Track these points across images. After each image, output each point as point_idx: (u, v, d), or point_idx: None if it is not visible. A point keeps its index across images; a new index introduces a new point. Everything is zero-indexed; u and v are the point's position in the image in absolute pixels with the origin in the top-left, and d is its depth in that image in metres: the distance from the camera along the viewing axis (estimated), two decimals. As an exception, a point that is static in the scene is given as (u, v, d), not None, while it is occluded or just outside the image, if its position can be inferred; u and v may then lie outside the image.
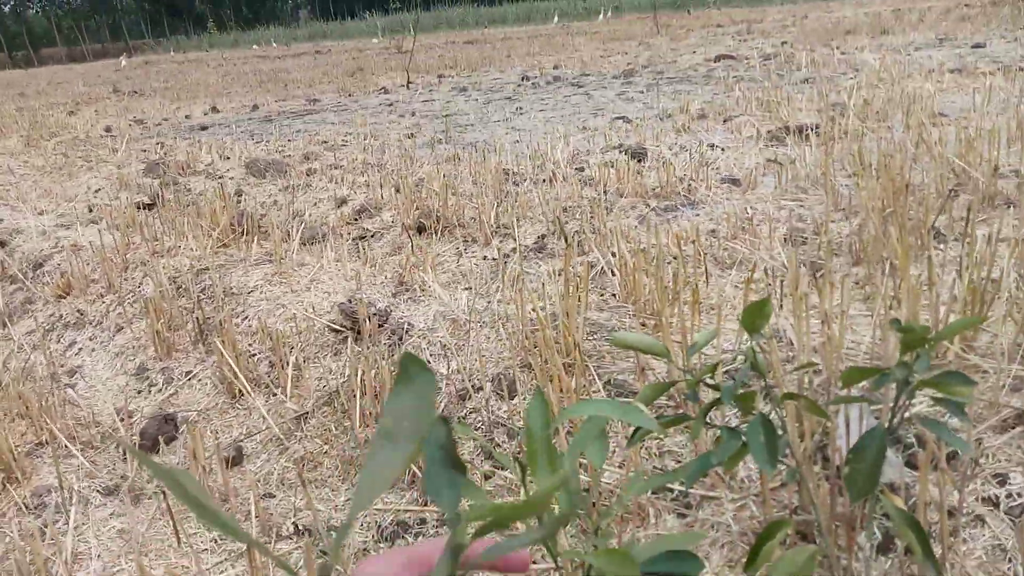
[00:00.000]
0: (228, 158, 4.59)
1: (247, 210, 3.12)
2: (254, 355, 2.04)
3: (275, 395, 1.89)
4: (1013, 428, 1.24)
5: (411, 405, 0.33)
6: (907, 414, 1.32)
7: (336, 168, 4.14)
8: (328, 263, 2.53)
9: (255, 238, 2.79)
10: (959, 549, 1.13)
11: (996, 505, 1.16)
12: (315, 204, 3.47)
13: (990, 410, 1.29)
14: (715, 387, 0.97)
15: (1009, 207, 2.40)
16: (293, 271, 2.45)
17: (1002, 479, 1.18)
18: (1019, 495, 1.15)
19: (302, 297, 2.26)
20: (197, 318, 2.21)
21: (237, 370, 1.93)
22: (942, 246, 2.19)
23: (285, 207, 3.40)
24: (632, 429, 0.96)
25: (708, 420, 1.09)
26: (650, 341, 0.97)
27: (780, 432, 0.99)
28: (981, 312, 1.57)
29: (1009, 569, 1.09)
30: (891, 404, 0.94)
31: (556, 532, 0.28)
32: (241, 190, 3.77)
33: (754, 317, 0.95)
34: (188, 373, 2.07)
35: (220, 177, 4.10)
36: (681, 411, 1.62)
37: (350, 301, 2.11)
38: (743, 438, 0.94)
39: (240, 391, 1.92)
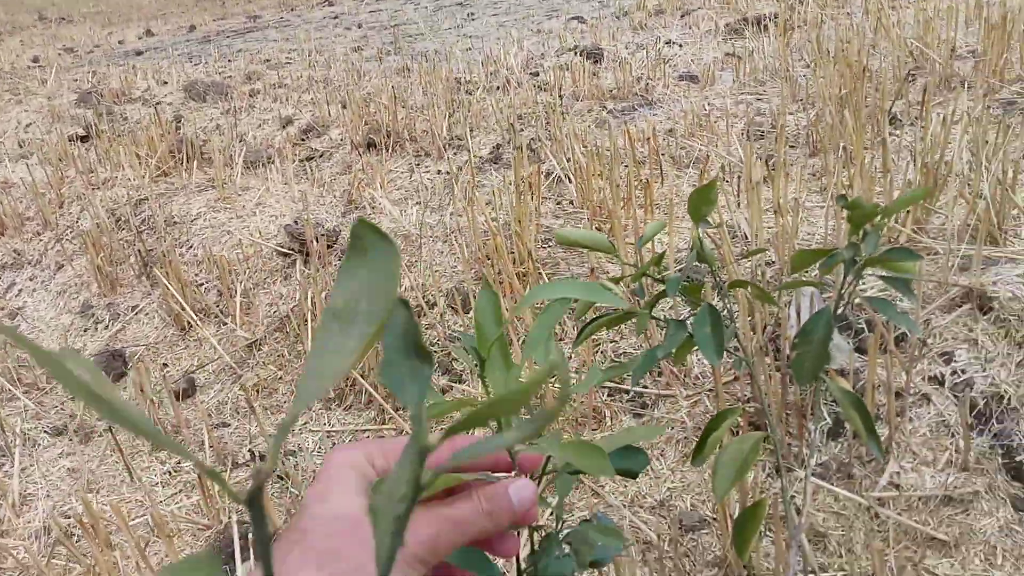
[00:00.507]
0: (166, 83, 4.36)
1: (187, 136, 2.97)
2: (201, 285, 1.97)
3: (225, 324, 1.84)
4: (960, 307, 1.24)
5: (367, 282, 0.27)
6: (857, 300, 1.31)
7: (280, 87, 3.96)
8: (274, 186, 2.43)
9: (196, 164, 2.66)
10: (905, 428, 1.14)
11: (941, 383, 1.17)
12: (259, 126, 3.31)
13: (938, 290, 1.28)
14: (661, 280, 0.94)
15: (965, 87, 2.36)
16: (237, 196, 2.35)
17: (948, 357, 1.19)
18: (963, 371, 1.16)
19: (248, 222, 2.17)
20: (139, 250, 2.13)
21: (184, 302, 1.87)
22: (898, 131, 2.15)
23: (228, 131, 3.24)
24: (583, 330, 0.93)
25: (660, 316, 1.06)
26: (595, 236, 0.92)
27: (728, 323, 0.96)
28: (934, 193, 1.55)
29: (951, 443, 1.10)
30: (839, 287, 0.92)
31: (545, 427, 0.24)
32: (180, 115, 3.59)
33: (699, 204, 0.91)
34: (134, 307, 2.00)
35: (158, 103, 3.90)
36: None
37: (296, 222, 2.04)
38: (690, 330, 0.91)
39: (189, 323, 1.86)
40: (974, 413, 1.13)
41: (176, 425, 1.50)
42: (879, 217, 0.84)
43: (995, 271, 1.28)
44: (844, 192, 1.65)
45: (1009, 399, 1.13)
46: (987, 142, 1.68)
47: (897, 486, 1.11)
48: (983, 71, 2.37)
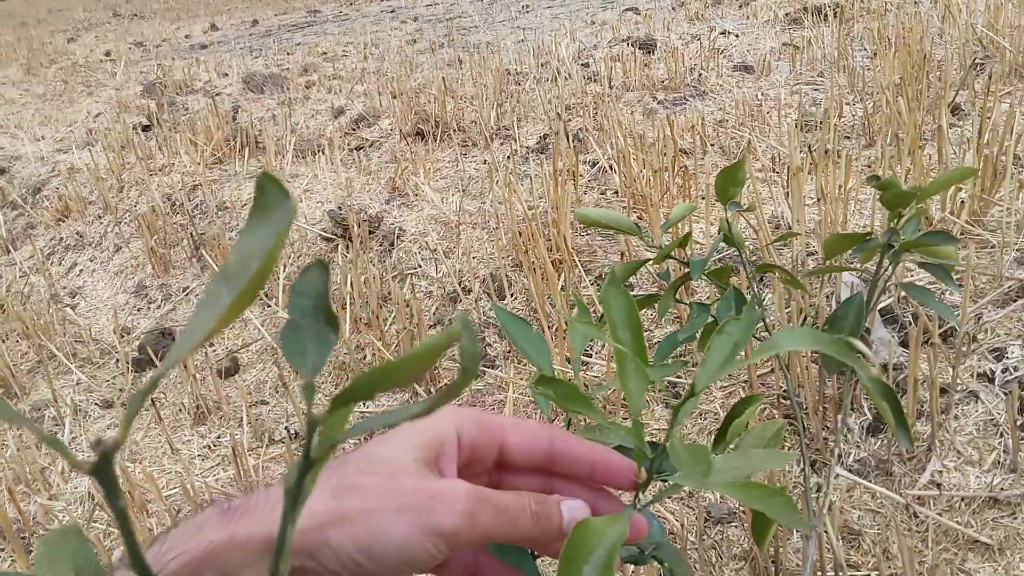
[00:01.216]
0: (226, 75, 4.48)
1: (242, 125, 3.05)
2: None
3: (269, 306, 1.88)
4: (1016, 301, 1.18)
5: (260, 241, 0.27)
6: (901, 292, 1.25)
7: (335, 79, 4.02)
8: (322, 173, 2.47)
9: (249, 152, 2.73)
10: (950, 426, 1.09)
11: (991, 380, 1.11)
12: (313, 116, 3.38)
13: (992, 284, 1.22)
14: (686, 263, 0.92)
15: (1038, 77, 2.23)
16: (286, 183, 2.40)
17: (999, 354, 1.13)
18: (1015, 369, 1.10)
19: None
20: (191, 234, 2.19)
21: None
22: (960, 122, 2.05)
23: (282, 121, 3.32)
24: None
25: (688, 301, 1.03)
26: (617, 216, 0.91)
27: (758, 308, 0.94)
28: (993, 186, 1.47)
29: (999, 443, 1.04)
30: (875, 274, 0.88)
31: (446, 402, 0.23)
32: (238, 106, 3.68)
33: (727, 184, 0.88)
34: (185, 289, 2.07)
35: (217, 94, 4.01)
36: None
37: (340, 208, 2.07)
38: (714, 314, 0.89)
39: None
40: (1025, 412, 1.07)
41: (217, 401, 1.55)
42: (916, 200, 0.80)
43: (1055, 265, 1.21)
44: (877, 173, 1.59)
45: (1064, 399, 1.06)
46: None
47: (938, 485, 1.06)
48: (1057, 59, 2.24)
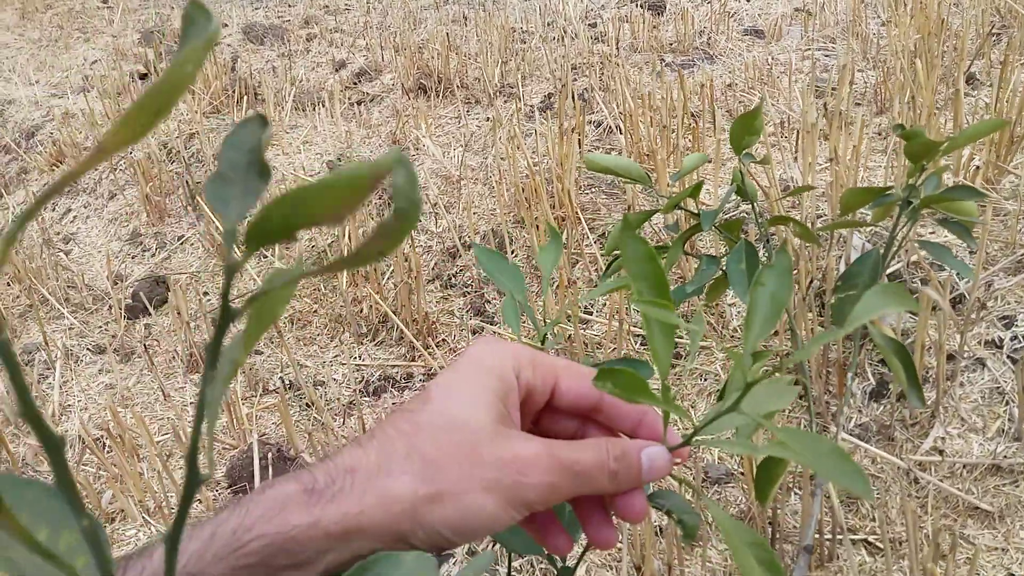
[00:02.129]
0: (226, 25, 4.38)
1: (241, 75, 2.99)
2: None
3: (266, 257, 1.85)
4: (1029, 268, 1.15)
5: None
6: (913, 257, 1.23)
7: (337, 32, 3.94)
8: (322, 125, 2.42)
9: (248, 103, 2.68)
10: (955, 393, 1.07)
11: (999, 347, 1.09)
12: (313, 69, 3.31)
13: (1005, 251, 1.19)
14: (696, 215, 0.89)
15: (1056, 48, 2.18)
16: (285, 134, 2.36)
17: (1008, 321, 1.11)
18: (1026, 336, 1.08)
19: (293, 159, 2.17)
20: (187, 182, 2.15)
21: (226, 232, 1.89)
22: (975, 91, 2.01)
23: (282, 73, 3.25)
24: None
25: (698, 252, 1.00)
26: (626, 162, 0.88)
27: (764, 262, 0.91)
28: (1008, 153, 1.44)
29: (1004, 411, 1.03)
30: (892, 230, 0.85)
31: (373, 251, 0.20)
32: (237, 56, 3.61)
33: (742, 132, 0.85)
34: (180, 237, 2.03)
35: (217, 44, 3.93)
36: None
37: (339, 160, 2.03)
38: (723, 267, 0.86)
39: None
40: (1032, 381, 1.05)
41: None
42: (943, 152, 0.77)
43: (1070, 233, 1.19)
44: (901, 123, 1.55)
45: (1073, 368, 1.05)
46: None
47: (941, 452, 1.05)
48: (1077, 30, 2.19)
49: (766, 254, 0.89)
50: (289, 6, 4.93)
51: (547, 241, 0.59)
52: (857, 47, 2.48)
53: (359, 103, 2.81)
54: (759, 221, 0.86)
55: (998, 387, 1.07)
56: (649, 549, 0.91)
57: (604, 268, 1.27)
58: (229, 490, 1.19)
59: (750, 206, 0.86)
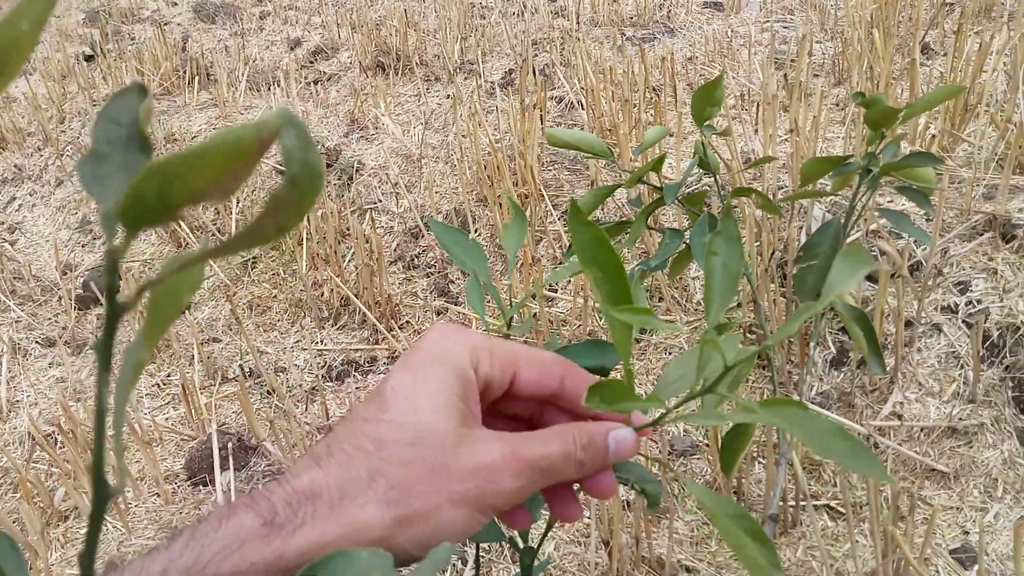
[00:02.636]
0: (175, 3, 4.24)
1: (192, 55, 2.90)
2: None
3: (222, 241, 1.80)
4: (981, 235, 1.17)
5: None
6: (872, 225, 1.24)
7: (291, 9, 3.84)
8: (277, 106, 2.36)
9: (200, 83, 2.60)
10: (913, 358, 1.09)
11: (955, 313, 1.11)
12: (267, 47, 3.23)
13: (960, 218, 1.21)
14: (659, 188, 0.88)
15: (1005, 18, 2.21)
16: (239, 115, 2.29)
17: (963, 287, 1.12)
18: (979, 302, 1.10)
19: (248, 141, 2.12)
20: (138, 167, 2.09)
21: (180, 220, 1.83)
22: (930, 61, 2.03)
23: (235, 52, 3.16)
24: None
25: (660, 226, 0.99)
26: (589, 137, 0.86)
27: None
28: (962, 121, 1.46)
29: (959, 374, 1.05)
30: (852, 198, 0.86)
31: (270, 229, 0.18)
32: (188, 35, 3.50)
33: (703, 103, 0.84)
34: (133, 224, 1.97)
35: (166, 24, 3.80)
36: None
37: (295, 141, 1.98)
38: (687, 240, 0.86)
39: (185, 240, 1.83)
40: (986, 344, 1.07)
41: (166, 339, 1.48)
42: (902, 119, 0.77)
43: (1022, 199, 1.21)
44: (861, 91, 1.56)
45: (1025, 331, 1.07)
46: (1024, 66, 1.57)
47: (899, 416, 1.07)
48: (1027, -1, 2.22)
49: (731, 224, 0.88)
50: (241, -17, 4.79)
51: (511, 219, 0.58)
52: (815, 18, 2.49)
53: (316, 82, 2.75)
54: (721, 193, 0.86)
55: (953, 351, 1.09)
56: (617, 524, 0.91)
57: (568, 246, 1.26)
58: (189, 482, 1.16)
59: (712, 179, 0.86)
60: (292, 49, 3.18)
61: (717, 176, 0.88)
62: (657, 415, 0.38)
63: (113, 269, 0.23)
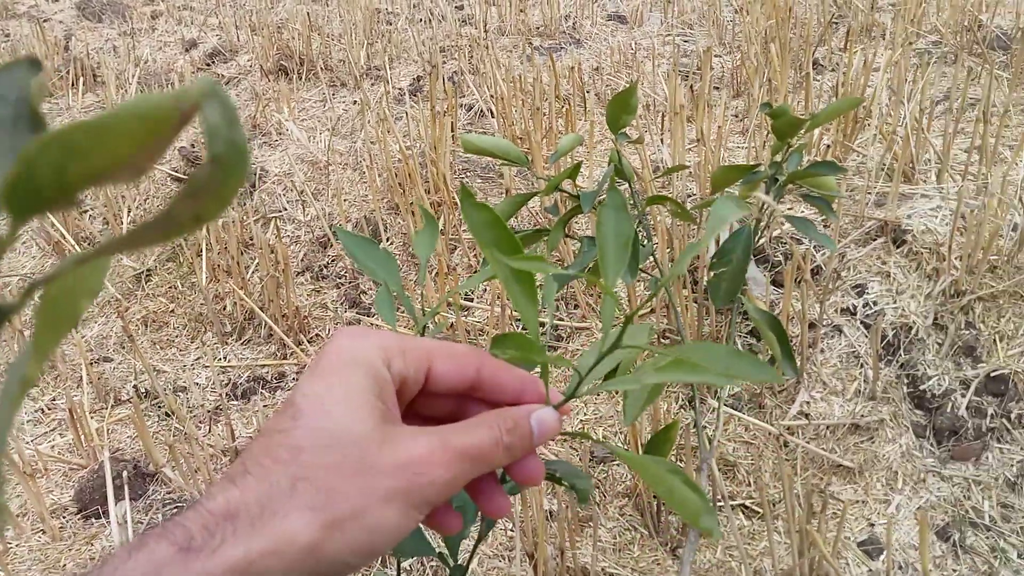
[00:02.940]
0: None
1: (76, 55, 2.72)
2: (85, 211, 1.80)
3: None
4: (874, 240, 1.24)
5: None
6: (776, 231, 1.29)
7: (185, 9, 3.67)
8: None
9: (85, 85, 2.44)
10: (817, 359, 1.13)
11: (853, 315, 1.16)
12: (160, 48, 3.06)
13: (854, 224, 1.27)
14: (575, 196, 0.88)
15: (885, 36, 2.37)
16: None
17: (860, 289, 1.18)
18: (875, 303, 1.16)
19: (140, 146, 1.99)
20: (15, 174, 1.93)
21: (64, 230, 1.70)
22: (820, 76, 2.15)
23: (124, 53, 2.98)
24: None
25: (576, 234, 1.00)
26: (504, 143, 0.85)
27: (645, 242, 0.91)
28: (853, 132, 1.54)
29: (860, 373, 1.10)
30: (759, 207, 0.88)
31: (200, 211, 0.16)
32: (71, 34, 3.28)
33: (619, 111, 0.84)
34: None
35: (45, 21, 3.55)
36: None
37: (192, 146, 1.88)
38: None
39: (70, 252, 1.70)
40: (883, 344, 1.13)
41: (51, 360, 1.37)
42: (807, 128, 0.79)
43: (909, 205, 1.28)
44: (768, 133, 1.63)
45: (916, 330, 1.13)
46: (907, 80, 1.68)
47: (807, 415, 1.11)
48: (903, 20, 2.39)
49: (644, 233, 0.89)
50: (129, -20, 4.54)
51: (423, 227, 0.57)
52: (714, 33, 2.59)
53: (214, 86, 2.63)
54: (636, 201, 0.86)
55: (854, 351, 1.14)
56: (541, 535, 0.90)
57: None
58: (79, 516, 1.07)
59: (627, 186, 0.86)
60: (187, 51, 3.03)
61: (632, 184, 0.89)
62: (572, 387, 0.39)
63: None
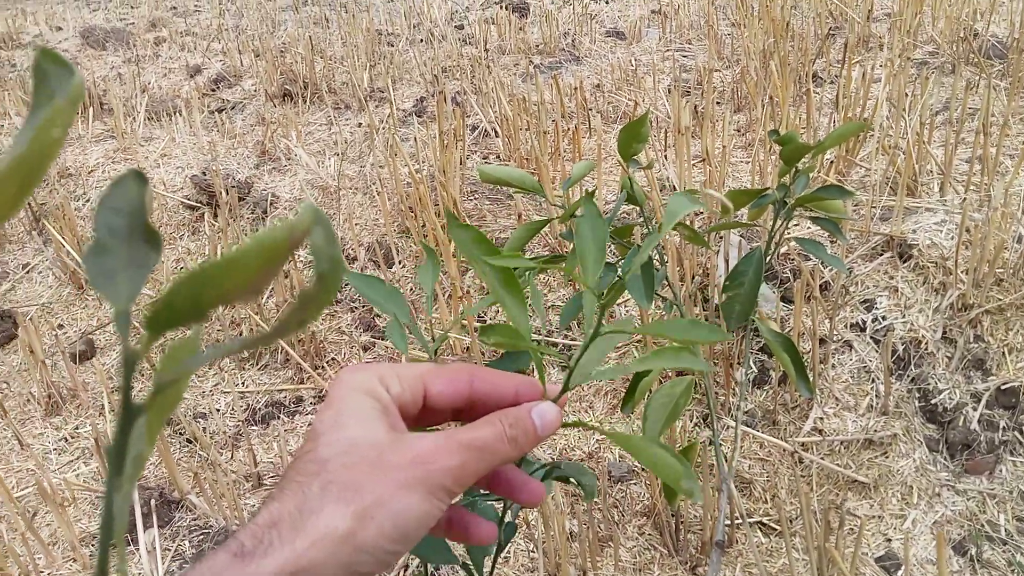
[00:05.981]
0: (60, 28, 4.03)
1: (83, 82, 2.75)
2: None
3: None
4: (881, 255, 1.26)
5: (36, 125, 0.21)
6: (784, 249, 1.31)
7: (188, 36, 3.71)
8: (181, 136, 2.27)
9: (93, 114, 2.47)
10: (828, 375, 1.15)
11: (863, 330, 1.18)
12: (165, 75, 3.10)
13: (860, 239, 1.29)
14: (589, 225, 0.90)
15: (882, 47, 2.40)
16: (139, 147, 2.19)
17: (869, 304, 1.20)
18: (884, 318, 1.18)
19: (151, 174, 2.02)
20: (30, 204, 1.95)
21: (80, 258, 1.72)
22: (819, 89, 2.17)
23: (130, 80, 3.02)
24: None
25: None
26: (520, 174, 0.87)
27: (659, 267, 0.94)
28: (855, 147, 1.57)
29: (871, 388, 1.11)
30: (770, 229, 0.90)
31: (303, 321, 0.18)
32: (77, 62, 3.32)
33: (630, 140, 0.87)
34: (25, 265, 1.84)
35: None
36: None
37: (204, 174, 1.91)
38: (619, 273, 0.88)
39: (86, 280, 1.72)
40: (893, 358, 1.15)
41: (72, 388, 1.39)
42: (813, 153, 0.82)
43: (914, 219, 1.30)
44: (770, 148, 1.65)
45: (926, 344, 1.15)
46: (907, 95, 1.71)
47: (820, 431, 1.12)
48: (899, 30, 2.42)
49: (658, 257, 0.91)
50: (132, 7, 4.59)
51: (424, 261, 0.62)
52: (712, 48, 2.62)
53: (219, 111, 2.66)
54: (649, 227, 0.88)
55: (865, 366, 1.16)
56: (564, 556, 0.92)
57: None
58: (107, 544, 1.09)
59: (639, 210, 0.88)
60: (192, 77, 3.07)
61: (644, 208, 0.91)
62: (565, 379, 0.43)
63: (130, 372, 0.22)
